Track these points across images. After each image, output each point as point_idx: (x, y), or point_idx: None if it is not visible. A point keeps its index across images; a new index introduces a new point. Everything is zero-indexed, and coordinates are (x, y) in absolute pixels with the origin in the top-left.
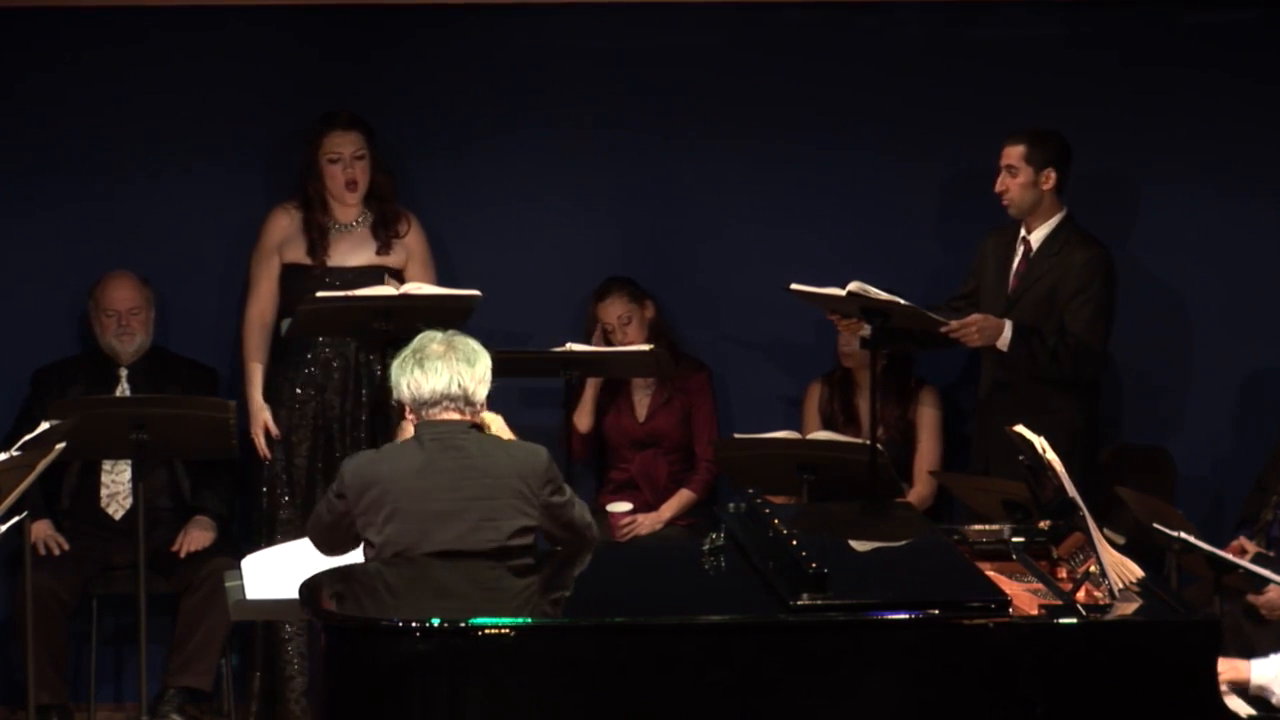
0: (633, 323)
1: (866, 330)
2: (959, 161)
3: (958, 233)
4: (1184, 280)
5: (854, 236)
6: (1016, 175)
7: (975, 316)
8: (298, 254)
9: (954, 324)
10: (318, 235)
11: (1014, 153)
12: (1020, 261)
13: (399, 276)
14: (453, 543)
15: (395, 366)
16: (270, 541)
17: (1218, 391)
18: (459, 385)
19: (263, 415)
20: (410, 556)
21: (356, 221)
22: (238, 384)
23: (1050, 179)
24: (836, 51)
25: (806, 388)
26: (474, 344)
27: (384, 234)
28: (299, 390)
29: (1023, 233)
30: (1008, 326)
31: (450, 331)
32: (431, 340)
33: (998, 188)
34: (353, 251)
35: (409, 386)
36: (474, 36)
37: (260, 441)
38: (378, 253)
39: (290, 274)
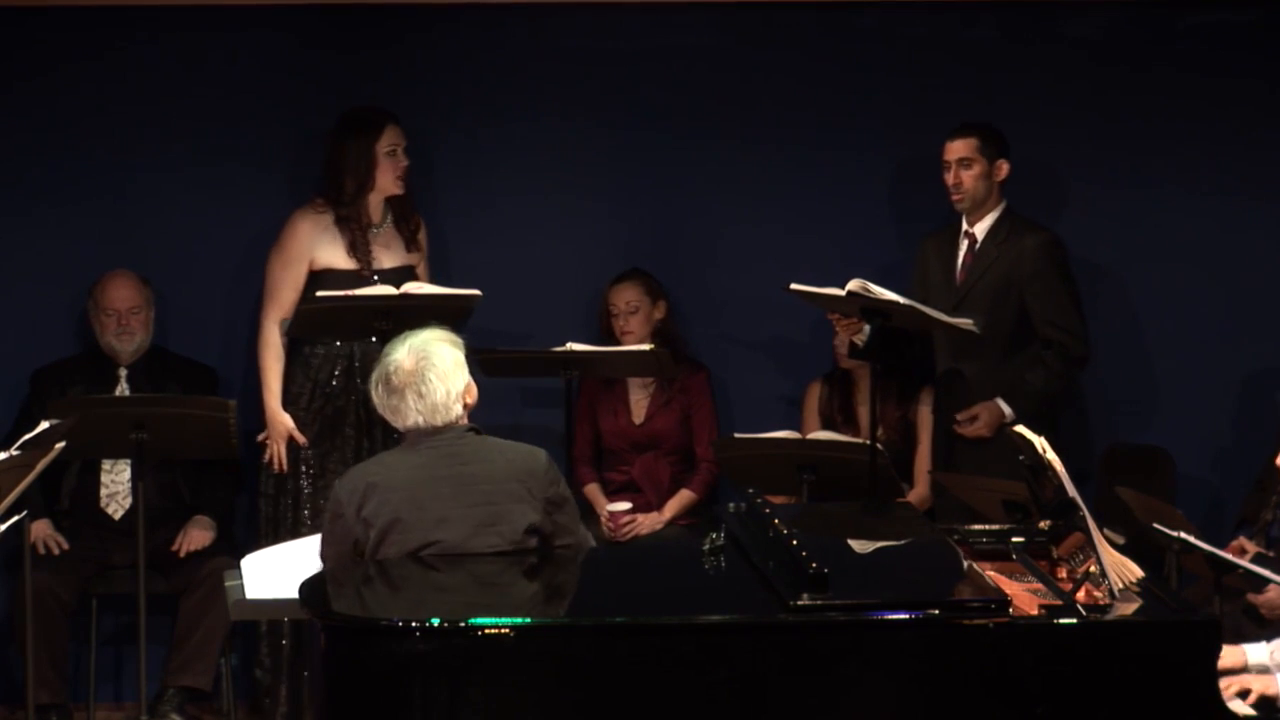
0: (639, 313)
1: (863, 334)
2: None
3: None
4: (1184, 281)
5: (854, 236)
6: (971, 167)
7: (978, 409)
8: (335, 257)
9: (960, 417)
10: (359, 236)
11: (967, 146)
12: (966, 254)
13: (414, 274)
14: (453, 549)
15: (370, 389)
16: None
17: (1218, 391)
18: (424, 420)
19: (286, 425)
20: (410, 557)
21: (383, 220)
22: (237, 384)
23: (1003, 170)
24: (836, 51)
25: (806, 388)
26: (435, 357)
27: (406, 230)
28: (334, 384)
29: (965, 226)
30: (1000, 403)
31: (418, 339)
32: (392, 369)
33: (950, 181)
34: (387, 251)
35: (388, 417)
36: (474, 35)
37: (281, 449)
38: (407, 250)
39: (330, 278)
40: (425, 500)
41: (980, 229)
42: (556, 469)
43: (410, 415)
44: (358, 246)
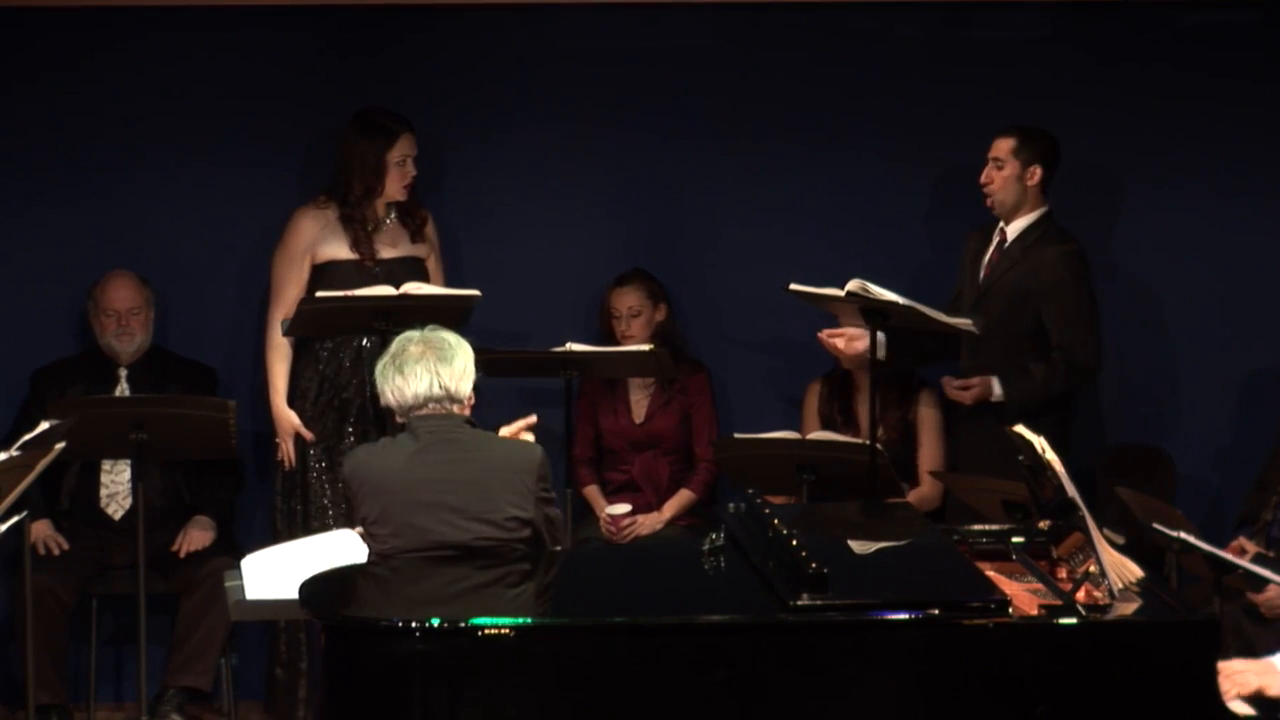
0: (640, 317)
1: (875, 345)
2: (959, 161)
3: (957, 232)
4: (1183, 280)
5: (854, 236)
6: (1002, 168)
7: (974, 381)
8: (338, 250)
9: (952, 386)
10: (361, 229)
11: (1003, 146)
12: (994, 252)
13: (424, 267)
14: (446, 534)
15: (378, 373)
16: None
17: (1217, 391)
18: (440, 386)
19: (291, 422)
20: (409, 554)
21: (387, 216)
22: (240, 384)
23: (1035, 175)
24: (836, 52)
25: (806, 388)
26: (450, 339)
27: (412, 224)
28: (341, 375)
29: (1000, 224)
30: (995, 382)
31: (429, 328)
32: (409, 342)
33: (982, 179)
34: (390, 243)
35: (393, 393)
36: (475, 36)
37: (289, 446)
38: (412, 242)
39: (334, 271)
40: (418, 485)
41: (1013, 230)
42: (549, 467)
43: (425, 379)
44: (360, 241)
